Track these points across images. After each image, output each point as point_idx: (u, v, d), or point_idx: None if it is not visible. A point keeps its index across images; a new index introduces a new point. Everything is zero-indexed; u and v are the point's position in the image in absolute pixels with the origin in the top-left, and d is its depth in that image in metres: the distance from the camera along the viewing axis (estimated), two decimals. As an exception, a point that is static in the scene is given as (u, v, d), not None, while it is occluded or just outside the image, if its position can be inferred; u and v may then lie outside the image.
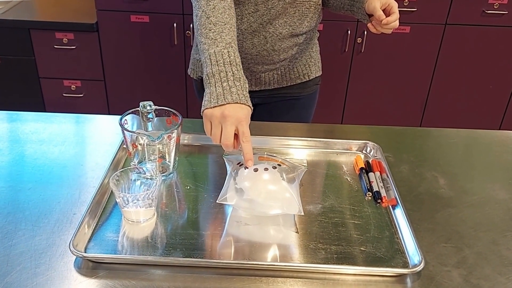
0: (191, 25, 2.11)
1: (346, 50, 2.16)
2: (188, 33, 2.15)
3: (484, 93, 2.27)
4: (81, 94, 2.32)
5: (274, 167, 0.82)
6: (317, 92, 1.33)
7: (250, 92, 1.20)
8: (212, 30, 0.86)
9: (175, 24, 2.13)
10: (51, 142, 1.00)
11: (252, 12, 1.10)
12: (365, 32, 2.10)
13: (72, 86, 2.31)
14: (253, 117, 0.85)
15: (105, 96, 2.34)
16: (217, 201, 0.80)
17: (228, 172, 0.85)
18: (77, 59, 2.25)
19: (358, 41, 2.14)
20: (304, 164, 0.89)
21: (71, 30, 2.20)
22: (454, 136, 1.11)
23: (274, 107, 1.29)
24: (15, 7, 2.37)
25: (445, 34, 2.12)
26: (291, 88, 1.27)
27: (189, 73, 1.28)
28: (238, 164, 0.86)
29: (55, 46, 2.22)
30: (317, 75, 1.30)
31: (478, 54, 2.18)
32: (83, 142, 1.02)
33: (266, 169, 0.81)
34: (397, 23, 1.03)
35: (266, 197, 0.78)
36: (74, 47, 2.22)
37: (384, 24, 1.02)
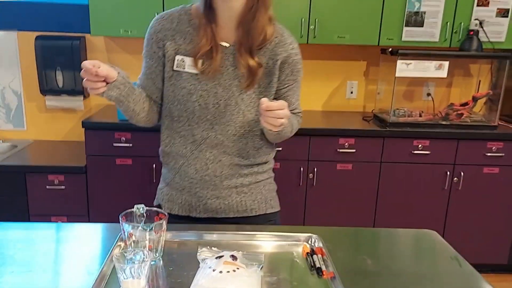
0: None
1: (301, 184, 2.54)
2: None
3: (419, 214, 2.64)
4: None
5: (234, 270, 1.03)
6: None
7: (197, 219, 1.37)
8: None
9: (154, 165, 2.49)
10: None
11: (192, 141, 1.31)
12: (315, 169, 2.51)
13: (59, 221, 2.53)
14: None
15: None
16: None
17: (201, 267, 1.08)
18: (65, 197, 2.52)
19: (310, 177, 2.53)
20: (261, 261, 1.12)
21: (62, 172, 2.52)
22: (383, 233, 1.40)
23: None
24: (14, 154, 2.70)
25: (381, 170, 2.55)
26: (240, 222, 1.36)
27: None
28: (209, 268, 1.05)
29: (47, 187, 2.50)
30: (267, 212, 1.40)
31: (410, 185, 2.60)
32: (80, 244, 1.25)
33: (228, 271, 1.02)
34: (280, 113, 1.14)
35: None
36: (63, 187, 2.51)
37: (265, 110, 1.14)
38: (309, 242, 1.26)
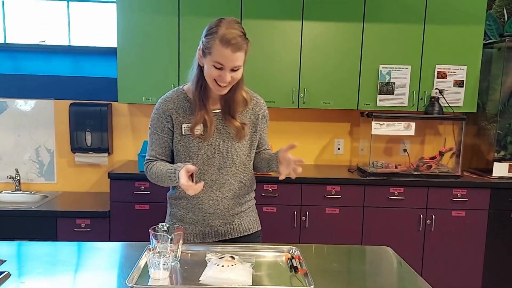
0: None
1: (295, 226, 2.93)
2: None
3: (399, 252, 2.93)
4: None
5: (232, 265, 1.45)
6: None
7: (209, 243, 1.74)
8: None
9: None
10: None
11: (207, 184, 1.69)
12: (307, 212, 2.92)
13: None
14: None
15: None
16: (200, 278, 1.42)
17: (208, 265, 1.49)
18: (90, 238, 2.92)
19: (302, 219, 2.93)
20: (253, 262, 1.54)
21: (89, 217, 2.94)
22: (349, 248, 1.80)
23: None
24: (46, 203, 3.13)
25: (364, 213, 2.95)
26: (241, 239, 1.79)
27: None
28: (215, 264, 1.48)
29: (75, 230, 2.91)
30: (257, 230, 1.86)
31: (390, 227, 2.98)
32: (113, 253, 1.66)
33: (228, 266, 1.44)
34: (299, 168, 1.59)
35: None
36: (89, 229, 2.92)
37: (297, 161, 1.57)
38: (290, 252, 1.66)
